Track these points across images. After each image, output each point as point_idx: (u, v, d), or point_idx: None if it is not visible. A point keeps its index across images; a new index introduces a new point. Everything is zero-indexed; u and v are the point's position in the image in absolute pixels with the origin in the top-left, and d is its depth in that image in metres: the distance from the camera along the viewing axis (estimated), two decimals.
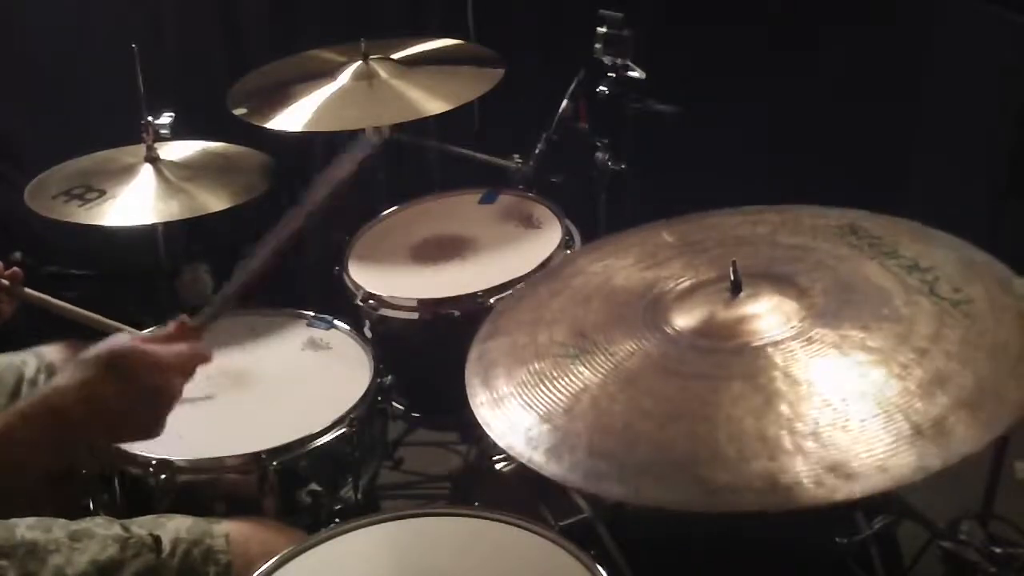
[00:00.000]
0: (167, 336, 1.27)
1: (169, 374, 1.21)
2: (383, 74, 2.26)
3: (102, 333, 1.78)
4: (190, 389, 1.74)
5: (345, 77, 2.25)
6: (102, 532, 1.40)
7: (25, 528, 1.37)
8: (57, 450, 1.18)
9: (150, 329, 1.28)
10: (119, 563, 1.38)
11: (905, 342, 1.14)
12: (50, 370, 1.79)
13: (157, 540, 1.41)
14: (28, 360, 1.79)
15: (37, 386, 1.76)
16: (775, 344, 1.17)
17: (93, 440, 1.22)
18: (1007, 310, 1.17)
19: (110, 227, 1.95)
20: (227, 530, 1.45)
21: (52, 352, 1.84)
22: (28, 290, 1.66)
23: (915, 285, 1.23)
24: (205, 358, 1.28)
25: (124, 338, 1.22)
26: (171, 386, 1.21)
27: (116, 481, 1.63)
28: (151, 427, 1.22)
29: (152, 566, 1.39)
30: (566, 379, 1.22)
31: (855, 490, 0.98)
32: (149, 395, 1.19)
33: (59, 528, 1.39)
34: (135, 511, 1.53)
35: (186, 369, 1.24)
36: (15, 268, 1.66)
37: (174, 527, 1.43)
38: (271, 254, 1.42)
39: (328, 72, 2.27)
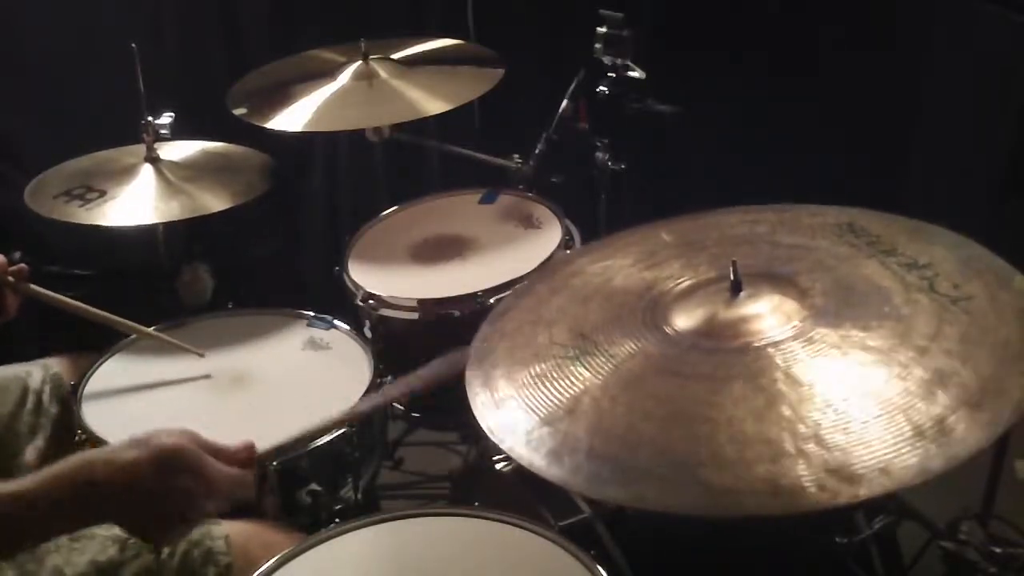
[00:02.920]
0: (227, 453, 1.21)
1: (208, 492, 1.16)
2: (383, 74, 2.26)
3: (105, 329, 1.80)
4: (191, 392, 1.77)
5: (345, 77, 2.25)
6: (101, 533, 1.40)
7: None
8: (79, 520, 1.15)
9: (213, 440, 1.21)
10: (118, 564, 1.38)
11: (905, 341, 1.14)
12: (55, 381, 1.79)
13: None
14: (33, 371, 1.80)
15: (42, 396, 1.76)
16: (776, 344, 1.17)
17: (114, 519, 1.16)
18: (1007, 306, 1.16)
19: (110, 227, 1.95)
20: (227, 531, 1.44)
21: (57, 363, 1.84)
22: (33, 286, 1.67)
23: (914, 283, 1.23)
24: (247, 491, 1.23)
25: (186, 435, 1.17)
26: (202, 503, 1.16)
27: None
28: (170, 530, 1.19)
29: (151, 567, 1.39)
30: (566, 381, 1.22)
31: (858, 493, 0.98)
32: (179, 501, 1.15)
33: None
34: None
35: (225, 494, 1.19)
36: (21, 264, 1.66)
37: None
38: (354, 416, 1.42)
39: (328, 72, 2.27)
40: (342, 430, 1.66)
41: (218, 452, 1.20)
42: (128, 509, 1.13)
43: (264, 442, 1.59)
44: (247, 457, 1.23)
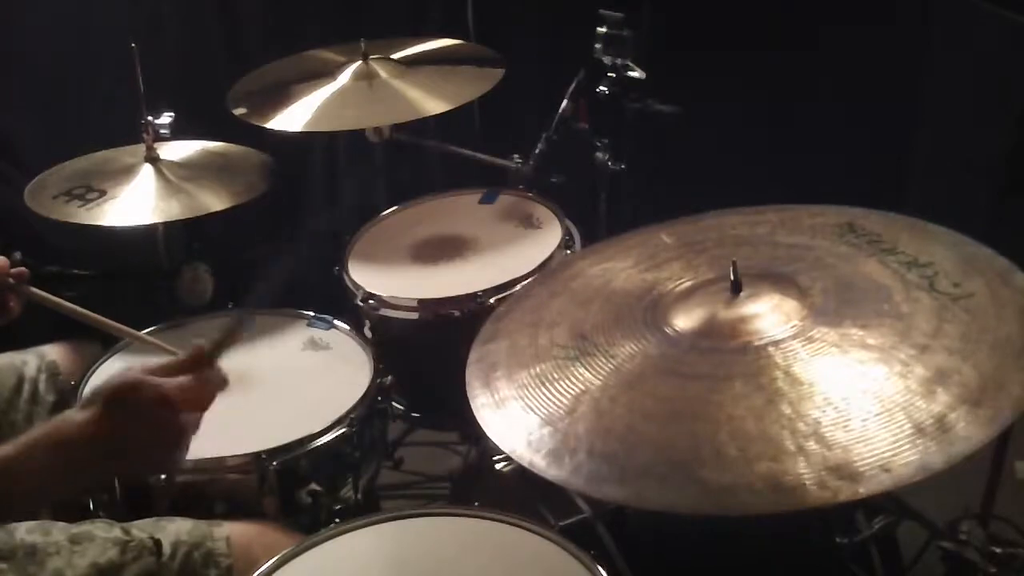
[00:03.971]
0: (176, 367, 1.18)
1: (173, 407, 1.14)
2: (383, 74, 2.26)
3: (104, 332, 1.80)
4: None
5: (345, 77, 2.25)
6: (102, 535, 1.40)
7: (25, 531, 1.37)
8: (64, 481, 1.14)
9: (160, 360, 1.19)
10: (119, 566, 1.38)
11: (906, 339, 1.14)
12: (51, 369, 1.79)
13: (157, 543, 1.41)
14: (29, 359, 1.79)
15: (38, 385, 1.76)
16: (776, 343, 1.17)
17: (102, 473, 1.16)
18: (1008, 304, 1.17)
19: (110, 227, 1.95)
20: (228, 533, 1.44)
21: (53, 351, 1.84)
22: (34, 289, 1.67)
23: (915, 281, 1.23)
24: (218, 386, 1.20)
25: (131, 372, 1.16)
26: (177, 420, 1.14)
27: (116, 481, 1.63)
28: (161, 462, 1.18)
29: (152, 569, 1.39)
30: (567, 381, 1.22)
31: (858, 491, 0.98)
32: (154, 430, 1.13)
33: (59, 531, 1.39)
34: (135, 511, 1.53)
35: (197, 401, 1.17)
36: (22, 268, 1.66)
37: (175, 530, 1.43)
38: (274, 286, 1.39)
39: (328, 72, 2.27)
40: (347, 413, 1.66)
41: (167, 368, 1.17)
42: (113, 460, 1.13)
43: (264, 442, 1.61)
44: (197, 358, 1.20)
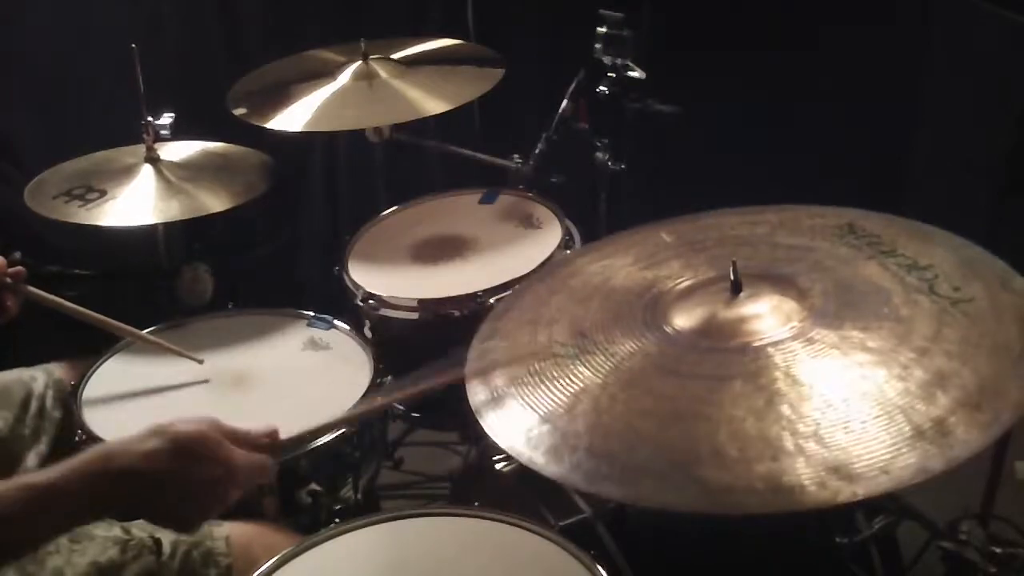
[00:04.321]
0: (251, 441, 1.18)
1: (231, 479, 1.13)
2: (383, 74, 2.26)
3: (104, 332, 1.80)
4: (192, 392, 1.77)
5: (345, 77, 2.25)
6: (102, 534, 1.40)
7: None
8: (101, 509, 1.12)
9: (238, 425, 1.18)
10: (119, 565, 1.38)
11: (905, 342, 1.14)
12: (58, 386, 1.79)
13: (157, 542, 1.41)
14: (37, 376, 1.80)
15: (45, 401, 1.76)
16: (776, 344, 1.17)
17: (137, 509, 1.13)
18: (1007, 308, 1.16)
19: (110, 227, 1.95)
20: (227, 532, 1.44)
21: (60, 369, 1.84)
22: (32, 288, 1.67)
23: (914, 284, 1.23)
24: (267, 477, 1.21)
25: (210, 425, 1.15)
26: (227, 491, 1.13)
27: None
28: (187, 521, 1.15)
29: (152, 568, 1.39)
30: (566, 379, 1.22)
31: (857, 492, 0.98)
32: (203, 490, 1.12)
33: None
34: None
35: (248, 481, 1.16)
36: (19, 267, 1.66)
37: None
38: (361, 415, 1.40)
39: (328, 72, 2.27)
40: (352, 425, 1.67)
41: (239, 438, 1.17)
42: (148, 499, 1.11)
43: None
44: (270, 442, 1.21)
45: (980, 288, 1.20)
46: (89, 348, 1.87)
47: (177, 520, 1.15)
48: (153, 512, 1.13)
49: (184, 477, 1.10)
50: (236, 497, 1.15)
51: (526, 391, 1.22)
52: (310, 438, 1.26)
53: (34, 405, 1.75)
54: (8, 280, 1.64)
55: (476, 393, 1.26)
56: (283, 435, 1.24)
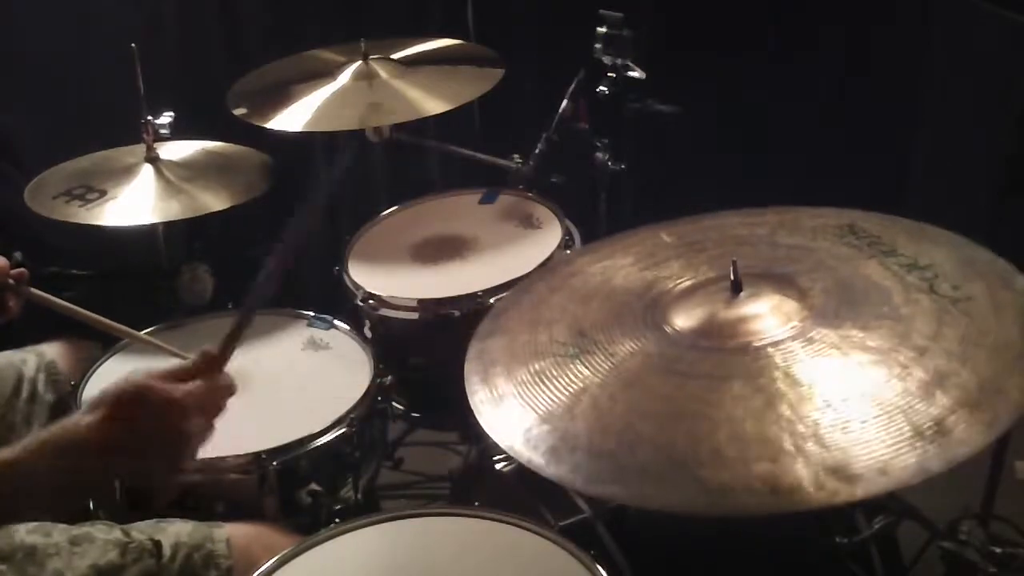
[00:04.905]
0: (185, 372, 1.16)
1: (181, 413, 1.12)
2: (383, 74, 2.26)
3: (103, 333, 1.80)
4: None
5: (345, 77, 2.25)
6: (102, 537, 1.40)
7: (24, 532, 1.37)
8: (69, 485, 1.12)
9: (167, 365, 1.17)
10: (119, 568, 1.38)
11: (905, 341, 1.14)
12: (50, 368, 1.79)
13: (158, 545, 1.41)
14: (28, 358, 1.79)
15: (37, 385, 1.76)
16: (776, 344, 1.17)
17: (105, 477, 1.14)
18: (1007, 308, 1.16)
19: (110, 227, 1.95)
20: (228, 534, 1.44)
21: (52, 350, 1.84)
22: (33, 290, 1.67)
23: (915, 283, 1.23)
24: (227, 391, 1.17)
25: (137, 376, 1.14)
26: (184, 426, 1.12)
27: (117, 483, 1.63)
28: (166, 467, 1.15)
29: (152, 571, 1.39)
30: (566, 379, 1.22)
31: (856, 492, 0.98)
32: (161, 435, 1.11)
33: (59, 532, 1.39)
34: (135, 510, 1.53)
35: (206, 407, 1.14)
36: (21, 268, 1.66)
37: (175, 531, 1.43)
38: (277, 268, 1.35)
39: (328, 72, 2.27)
40: (346, 413, 1.66)
41: (176, 373, 1.15)
42: (119, 465, 1.12)
43: (264, 442, 1.61)
44: (207, 363, 1.18)
45: (980, 287, 1.20)
46: (84, 333, 1.87)
47: (152, 473, 1.15)
48: (125, 474, 1.15)
49: (136, 433, 1.10)
50: (203, 429, 1.13)
51: (526, 390, 1.22)
52: (236, 334, 1.21)
53: (26, 389, 1.75)
54: (10, 281, 1.64)
55: (475, 392, 1.26)
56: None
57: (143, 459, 1.12)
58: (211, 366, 1.17)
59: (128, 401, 1.11)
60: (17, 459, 1.09)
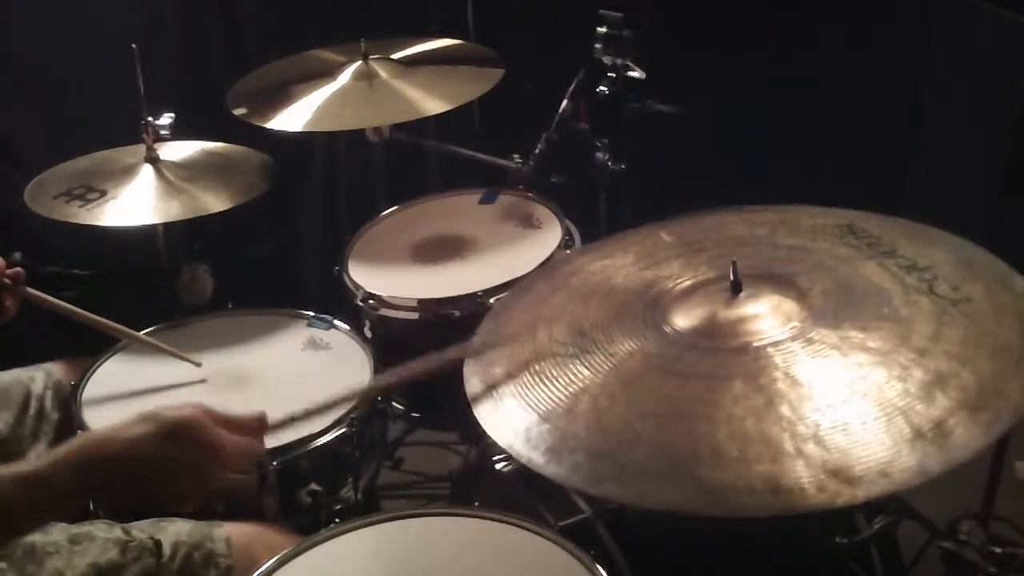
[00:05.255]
0: (237, 423, 1.20)
1: (219, 462, 1.14)
2: (383, 74, 2.26)
3: (102, 333, 1.80)
4: (191, 391, 1.77)
5: (345, 77, 2.25)
6: (102, 535, 1.40)
7: None
8: (90, 496, 1.14)
9: (223, 414, 1.19)
10: (119, 567, 1.38)
11: (905, 342, 1.14)
12: (57, 387, 1.79)
13: (157, 544, 1.41)
14: (36, 376, 1.80)
15: (44, 402, 1.76)
16: (775, 344, 1.17)
17: (127, 495, 1.14)
18: (1007, 309, 1.16)
19: (110, 227, 1.95)
20: (227, 534, 1.45)
21: (59, 369, 1.84)
22: (31, 290, 1.67)
23: (914, 285, 1.23)
24: (260, 457, 1.24)
25: (194, 409, 1.16)
26: (214, 474, 1.14)
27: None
28: (176, 504, 1.17)
29: (152, 570, 1.39)
30: (565, 378, 1.22)
31: (857, 495, 0.98)
32: (191, 473, 1.13)
33: (59, 531, 1.39)
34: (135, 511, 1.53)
35: (236, 464, 1.18)
36: (18, 268, 1.66)
37: (175, 531, 1.43)
38: (364, 396, 1.40)
39: (328, 72, 2.27)
40: (347, 413, 1.67)
41: (228, 421, 1.18)
42: (137, 485, 1.12)
43: (265, 442, 1.61)
44: (259, 426, 1.22)
45: (980, 289, 1.20)
46: (88, 348, 1.87)
47: (165, 504, 1.17)
48: (142, 498, 1.14)
49: (172, 461, 1.11)
50: (225, 479, 1.15)
51: (526, 390, 1.22)
52: (298, 420, 1.27)
53: (33, 406, 1.75)
54: (7, 281, 1.64)
55: (474, 391, 1.26)
56: (280, 433, 1.25)
57: (165, 488, 1.13)
58: (259, 429, 1.22)
59: (177, 427, 1.12)
60: (39, 470, 1.09)
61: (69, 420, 1.73)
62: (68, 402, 1.76)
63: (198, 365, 1.83)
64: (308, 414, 1.30)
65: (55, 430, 1.75)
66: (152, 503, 1.17)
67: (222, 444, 1.15)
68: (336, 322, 1.93)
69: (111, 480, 1.10)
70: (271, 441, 1.60)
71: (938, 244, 1.32)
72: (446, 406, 1.93)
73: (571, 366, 1.23)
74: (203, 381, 1.80)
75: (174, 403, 1.16)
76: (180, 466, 1.12)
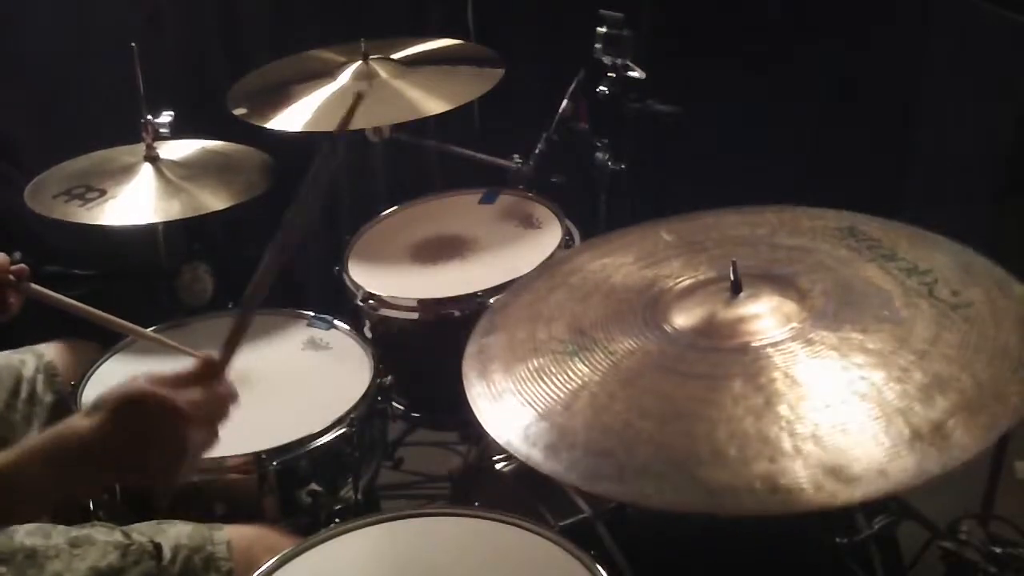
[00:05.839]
0: (186, 378, 1.14)
1: (183, 421, 1.09)
2: (383, 74, 2.26)
3: (103, 330, 1.80)
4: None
5: (345, 77, 2.25)
6: (102, 539, 1.40)
7: (24, 534, 1.37)
8: (65, 488, 1.11)
9: (171, 370, 1.14)
10: (119, 570, 1.38)
11: (904, 345, 1.14)
12: (49, 369, 1.79)
13: (158, 547, 1.41)
14: (27, 359, 1.79)
15: (36, 385, 1.76)
16: (775, 344, 1.17)
17: (103, 481, 1.13)
18: (1006, 314, 1.17)
19: (110, 227, 1.95)
20: (228, 536, 1.44)
21: (50, 351, 1.84)
22: (34, 286, 1.67)
23: (914, 287, 1.23)
24: (229, 399, 1.15)
25: (138, 381, 1.12)
26: (184, 433, 1.10)
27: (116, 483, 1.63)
28: (166, 474, 1.13)
29: (153, 573, 1.39)
30: (565, 376, 1.22)
31: (855, 494, 0.98)
32: (160, 443, 1.09)
33: (59, 534, 1.39)
34: (135, 511, 1.53)
35: (207, 415, 1.13)
36: (21, 264, 1.66)
37: (175, 533, 1.43)
38: (273, 266, 1.34)
39: (328, 72, 2.27)
40: (347, 413, 1.66)
41: (178, 379, 1.13)
42: (116, 469, 1.10)
43: (264, 442, 1.61)
44: (208, 368, 1.16)
45: (979, 293, 1.20)
46: (83, 334, 1.87)
47: (151, 479, 1.13)
48: (123, 479, 1.13)
49: (134, 439, 1.09)
50: (207, 436, 1.12)
51: (525, 387, 1.22)
52: (236, 338, 1.20)
53: (24, 390, 1.75)
54: (11, 278, 1.64)
55: (473, 387, 1.26)
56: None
57: (141, 465, 1.10)
58: (212, 372, 1.15)
59: (128, 406, 1.09)
60: (12, 463, 1.07)
61: (62, 404, 1.73)
62: (61, 386, 1.77)
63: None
64: (240, 325, 1.21)
65: (47, 413, 1.75)
66: (139, 482, 1.14)
67: (179, 403, 1.10)
68: (336, 322, 1.93)
69: (78, 472, 1.08)
70: (271, 440, 1.61)
71: (938, 248, 1.32)
72: (446, 406, 1.94)
73: (570, 363, 1.23)
74: None
75: (122, 382, 1.12)
76: (147, 439, 1.09)
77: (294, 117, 2.13)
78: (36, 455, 1.09)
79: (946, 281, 1.23)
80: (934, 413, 1.04)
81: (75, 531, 1.41)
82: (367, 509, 1.73)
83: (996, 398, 1.05)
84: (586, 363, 1.23)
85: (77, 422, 1.10)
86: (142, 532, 1.43)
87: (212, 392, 1.14)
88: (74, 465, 1.08)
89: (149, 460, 1.10)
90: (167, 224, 2.13)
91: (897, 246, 1.32)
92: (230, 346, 1.18)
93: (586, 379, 1.20)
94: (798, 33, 2.74)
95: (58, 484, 1.09)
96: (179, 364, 1.76)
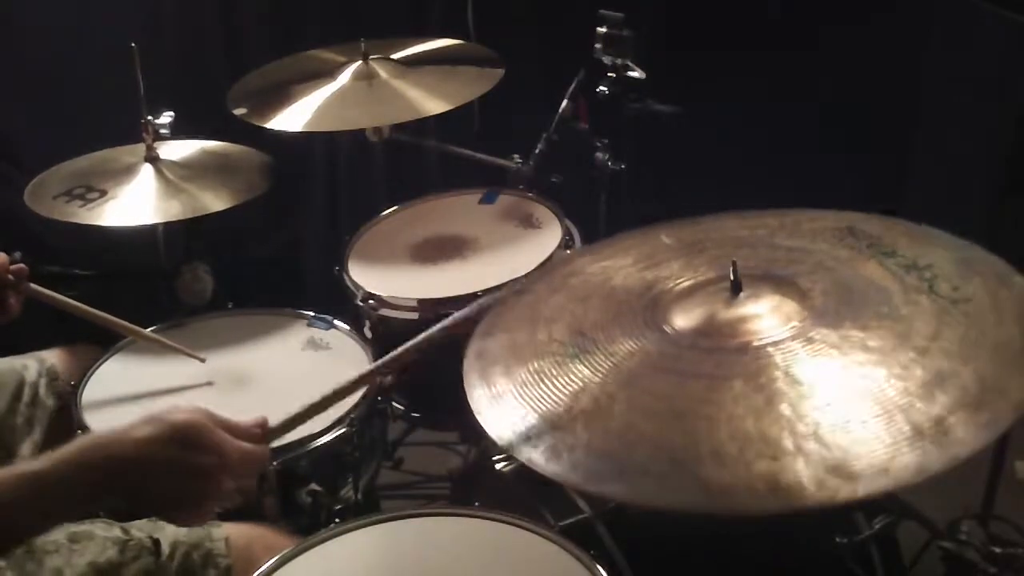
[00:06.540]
0: (241, 429, 1.18)
1: (223, 467, 1.12)
2: (383, 74, 2.26)
3: (103, 330, 1.80)
4: (191, 391, 1.77)
5: (345, 77, 2.25)
6: (101, 534, 1.40)
7: None
8: (89, 499, 1.11)
9: (228, 416, 1.19)
10: (118, 566, 1.38)
11: (905, 341, 1.14)
12: (51, 373, 1.79)
13: (156, 543, 1.41)
14: (29, 364, 1.80)
15: (38, 389, 1.76)
16: (776, 344, 1.17)
17: (131, 497, 1.12)
18: (1007, 308, 1.16)
19: (110, 227, 1.95)
20: (227, 533, 1.45)
21: (52, 356, 1.84)
22: (34, 286, 1.67)
23: (914, 284, 1.23)
24: (264, 466, 1.21)
25: (201, 413, 1.14)
26: (218, 480, 1.12)
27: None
28: (180, 512, 1.14)
29: (151, 569, 1.39)
30: (565, 378, 1.22)
31: (857, 491, 0.98)
32: (196, 478, 1.11)
33: (58, 530, 1.39)
34: None
35: (241, 470, 1.16)
36: (21, 264, 1.66)
37: (173, 530, 1.43)
38: (368, 376, 1.40)
39: (328, 72, 2.27)
40: (348, 412, 1.66)
41: (231, 428, 1.17)
42: (142, 488, 1.10)
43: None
44: (261, 432, 1.21)
45: (979, 288, 1.20)
46: (85, 338, 1.87)
47: (172, 509, 1.13)
48: (147, 502, 1.12)
49: (178, 464, 1.10)
50: (230, 487, 1.14)
51: (525, 389, 1.22)
52: (299, 421, 1.26)
53: (27, 394, 1.75)
54: (10, 278, 1.64)
55: (474, 389, 1.26)
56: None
57: (171, 491, 1.11)
58: (261, 435, 1.21)
59: (186, 431, 1.11)
60: (40, 471, 1.07)
61: (64, 409, 1.73)
62: (63, 391, 1.76)
63: (202, 360, 1.83)
64: (309, 412, 1.30)
65: (49, 418, 1.75)
66: (157, 508, 1.14)
67: (227, 449, 1.13)
68: (336, 322, 1.93)
69: (115, 483, 1.09)
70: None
71: (938, 244, 1.31)
72: (446, 406, 1.93)
73: (571, 365, 1.23)
74: (204, 382, 1.80)
75: (180, 405, 1.15)
76: (186, 469, 1.10)
77: (294, 117, 2.13)
78: (72, 461, 1.08)
79: (946, 276, 1.23)
80: (935, 409, 1.04)
81: (74, 526, 1.41)
82: (367, 509, 1.73)
83: (997, 393, 1.05)
84: (586, 365, 1.23)
85: (128, 432, 1.10)
86: (141, 528, 1.43)
87: (254, 451, 1.18)
88: (116, 472, 1.08)
89: (178, 487, 1.11)
90: (167, 224, 2.13)
91: (897, 243, 1.32)
92: (290, 425, 1.25)
93: (586, 380, 1.20)
94: (798, 33, 2.75)
95: (91, 492, 1.09)
96: (179, 364, 1.78)
